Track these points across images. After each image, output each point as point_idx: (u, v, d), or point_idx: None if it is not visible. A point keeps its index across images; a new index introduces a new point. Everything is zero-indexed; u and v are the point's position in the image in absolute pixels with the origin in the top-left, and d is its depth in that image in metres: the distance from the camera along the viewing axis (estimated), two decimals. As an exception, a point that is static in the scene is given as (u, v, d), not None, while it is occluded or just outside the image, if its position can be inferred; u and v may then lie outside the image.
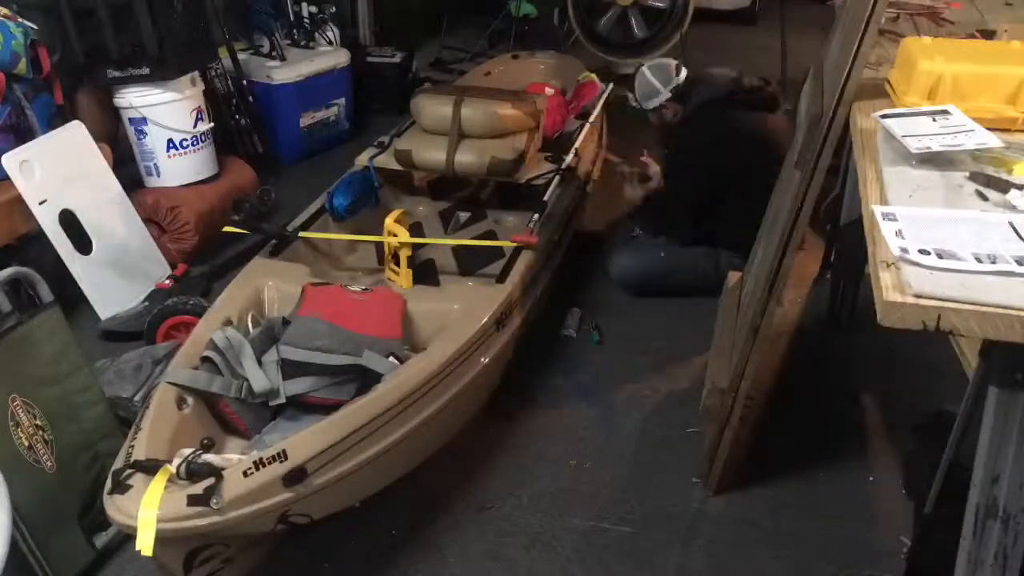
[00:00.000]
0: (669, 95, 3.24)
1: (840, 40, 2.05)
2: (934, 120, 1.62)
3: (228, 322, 2.16)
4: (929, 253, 1.21)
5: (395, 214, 2.63)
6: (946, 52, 1.75)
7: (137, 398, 2.41)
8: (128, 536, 2.03)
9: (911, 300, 1.14)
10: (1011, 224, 1.33)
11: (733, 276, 2.79)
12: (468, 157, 2.96)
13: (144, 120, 3.41)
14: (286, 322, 2.17)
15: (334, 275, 2.71)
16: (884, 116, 1.67)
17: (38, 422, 1.99)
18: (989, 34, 2.40)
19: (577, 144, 3.34)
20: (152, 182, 3.52)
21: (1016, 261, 1.21)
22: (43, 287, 2.10)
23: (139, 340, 2.83)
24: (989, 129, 1.68)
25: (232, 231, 2.80)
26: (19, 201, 2.81)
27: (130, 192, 3.27)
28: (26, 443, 1.94)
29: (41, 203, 2.85)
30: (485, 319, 2.26)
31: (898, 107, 1.77)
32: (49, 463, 1.99)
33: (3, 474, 1.50)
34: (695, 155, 3.19)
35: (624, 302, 3.28)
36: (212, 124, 3.63)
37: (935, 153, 1.52)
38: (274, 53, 4.43)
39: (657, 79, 3.25)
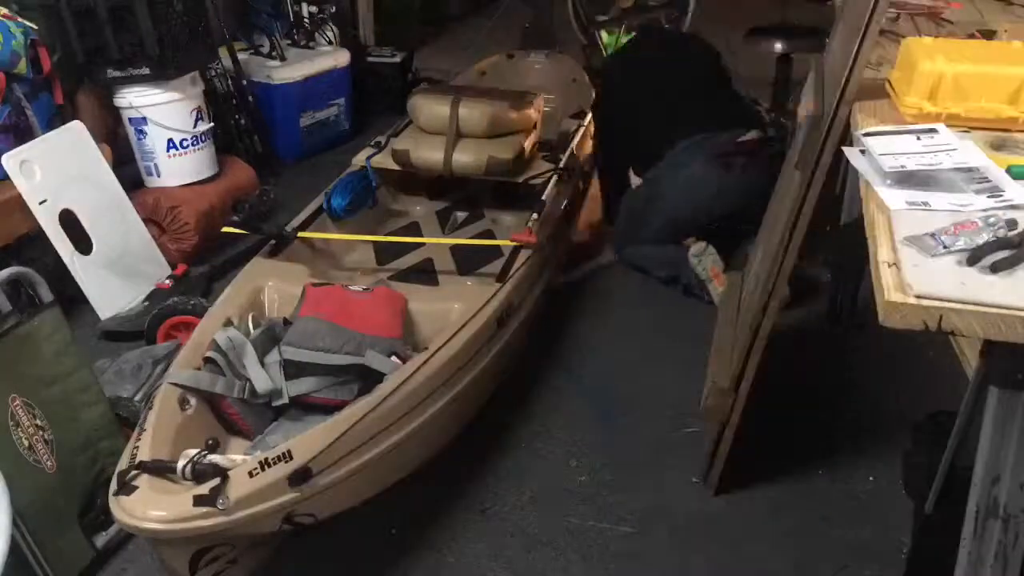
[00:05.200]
0: None
1: (841, 40, 2.05)
2: (919, 139, 1.60)
3: (229, 322, 2.16)
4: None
5: None
6: (947, 52, 1.75)
7: (138, 398, 2.41)
8: (130, 536, 2.06)
9: (912, 300, 1.14)
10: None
11: (733, 275, 2.80)
12: (466, 157, 2.96)
13: (144, 120, 3.41)
14: (287, 323, 2.17)
15: (333, 275, 2.71)
16: (867, 134, 1.63)
17: (38, 422, 1.99)
18: (989, 34, 2.40)
19: (574, 143, 3.35)
20: (152, 182, 3.53)
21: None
22: (43, 287, 2.10)
23: (139, 340, 2.83)
24: (989, 130, 1.69)
25: (232, 231, 2.80)
26: (19, 201, 2.81)
27: (130, 192, 3.27)
28: (26, 443, 1.94)
29: (41, 203, 2.85)
30: (486, 318, 2.26)
31: (899, 107, 1.77)
32: (49, 463, 1.99)
33: (3, 474, 1.50)
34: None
35: (624, 301, 3.29)
36: (212, 124, 3.63)
37: (909, 172, 1.49)
38: (274, 53, 4.43)
39: None
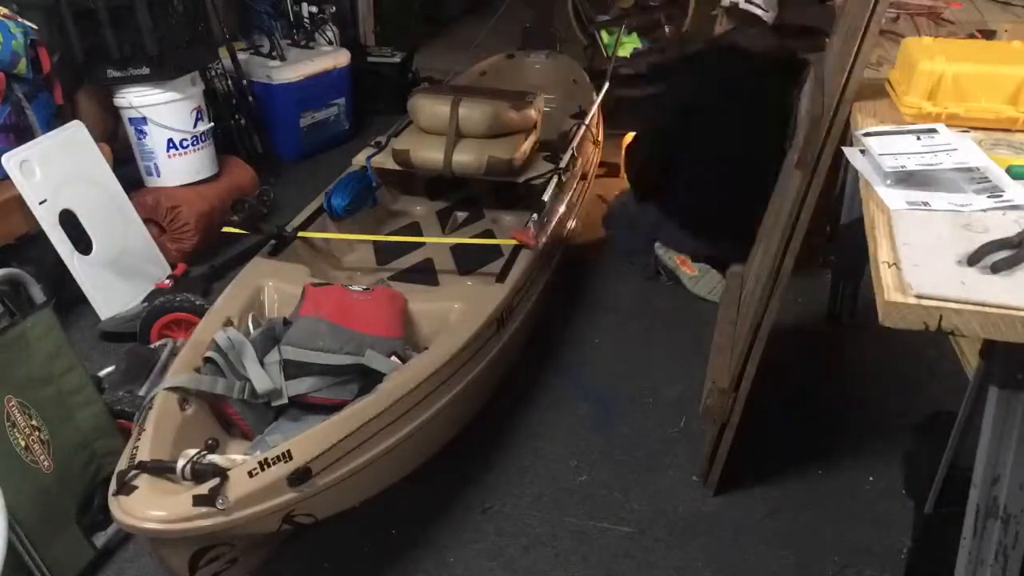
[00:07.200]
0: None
1: (841, 40, 2.05)
2: (919, 139, 1.60)
3: (229, 322, 2.16)
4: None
5: None
6: (946, 52, 1.75)
7: (141, 392, 2.40)
8: (130, 536, 2.06)
9: (912, 300, 1.14)
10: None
11: (733, 275, 2.79)
12: (466, 157, 2.96)
13: (144, 120, 3.41)
14: (287, 323, 2.17)
15: (333, 275, 2.71)
16: (867, 134, 1.62)
17: (34, 422, 1.99)
18: (989, 34, 2.40)
19: (575, 143, 3.35)
20: (152, 182, 3.52)
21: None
22: (35, 288, 2.11)
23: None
24: (989, 130, 1.69)
25: (232, 231, 2.80)
26: (19, 201, 2.81)
27: (130, 192, 3.27)
28: (23, 443, 1.94)
29: (41, 203, 2.85)
30: (486, 318, 2.26)
31: (899, 107, 1.77)
32: (47, 463, 1.99)
33: (1, 475, 1.50)
34: (666, 97, 3.54)
35: (623, 300, 3.29)
36: (212, 124, 3.63)
37: (909, 172, 1.48)
38: (274, 53, 4.43)
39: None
